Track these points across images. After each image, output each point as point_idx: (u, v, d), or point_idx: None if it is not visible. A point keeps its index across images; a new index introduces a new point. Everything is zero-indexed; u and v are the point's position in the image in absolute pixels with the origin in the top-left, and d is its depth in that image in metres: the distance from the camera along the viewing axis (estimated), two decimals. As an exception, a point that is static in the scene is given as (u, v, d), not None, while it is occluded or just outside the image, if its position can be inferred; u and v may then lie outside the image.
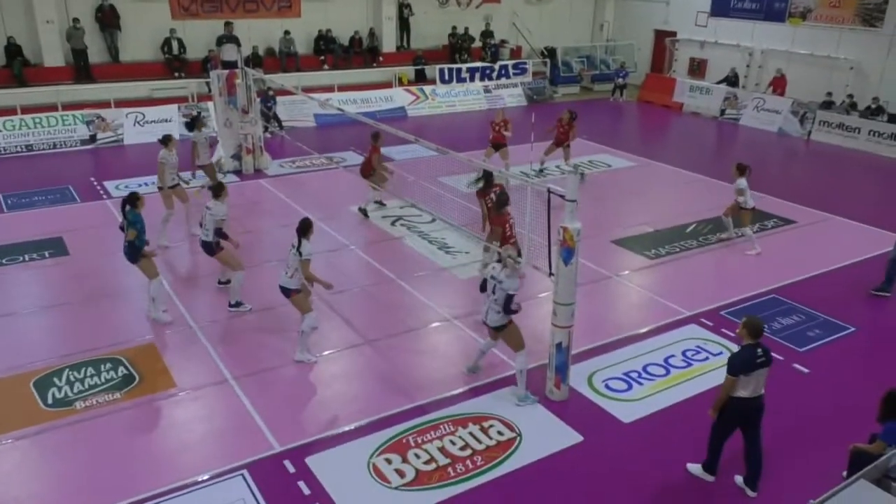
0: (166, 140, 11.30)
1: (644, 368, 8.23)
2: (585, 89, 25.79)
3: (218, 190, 9.28)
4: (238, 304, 9.36)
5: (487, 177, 10.33)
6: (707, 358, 8.46)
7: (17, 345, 8.50)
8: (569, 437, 7.04)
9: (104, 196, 13.64)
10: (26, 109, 16.96)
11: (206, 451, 6.76)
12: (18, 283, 10.07)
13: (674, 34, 25.18)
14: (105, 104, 17.77)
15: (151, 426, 7.18)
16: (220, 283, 9.96)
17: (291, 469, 6.50)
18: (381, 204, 13.12)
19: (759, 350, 5.97)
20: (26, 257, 10.76)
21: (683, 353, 8.54)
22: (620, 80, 24.27)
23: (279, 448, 6.76)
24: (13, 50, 18.06)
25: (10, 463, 6.56)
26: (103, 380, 7.77)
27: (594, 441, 6.96)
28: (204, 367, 8.07)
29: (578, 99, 24.71)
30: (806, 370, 8.31)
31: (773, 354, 8.42)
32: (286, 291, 8.09)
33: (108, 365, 8.00)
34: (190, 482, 6.31)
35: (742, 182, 11.24)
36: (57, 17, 18.39)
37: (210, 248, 9.25)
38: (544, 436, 7.04)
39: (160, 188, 11.28)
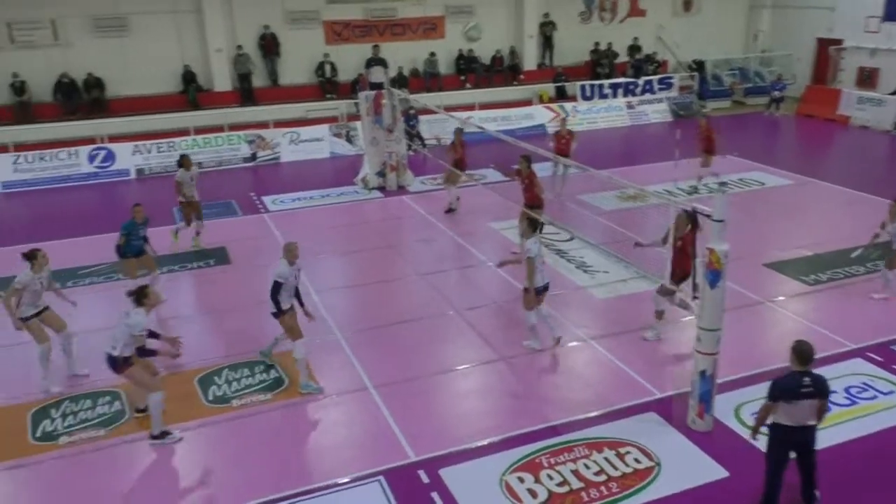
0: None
1: (799, 403, 7.60)
2: (737, 103, 24.46)
3: (141, 295, 6.97)
4: (163, 435, 7.21)
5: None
6: (875, 396, 7.68)
7: (184, 346, 9.31)
8: (712, 470, 6.65)
9: (262, 210, 14.69)
10: (198, 130, 18.68)
11: (347, 455, 7.04)
12: (185, 290, 11.06)
13: (839, 42, 23.31)
14: (265, 125, 19.21)
15: (297, 427, 7.59)
16: (137, 411, 7.65)
17: (426, 479, 6.62)
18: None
19: (807, 379, 5.44)
20: (194, 265, 11.79)
21: (847, 390, 7.80)
22: (777, 92, 22.75)
23: (414, 458, 6.91)
24: (188, 77, 20.05)
25: (175, 454, 7.17)
26: (257, 381, 8.35)
27: (741, 478, 6.52)
28: (346, 375, 8.44)
29: (729, 113, 23.47)
30: None
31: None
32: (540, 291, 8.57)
33: (261, 367, 8.58)
34: (331, 483, 6.60)
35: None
36: (226, 45, 20.21)
37: (115, 364, 7.04)
38: (685, 467, 6.69)
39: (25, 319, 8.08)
